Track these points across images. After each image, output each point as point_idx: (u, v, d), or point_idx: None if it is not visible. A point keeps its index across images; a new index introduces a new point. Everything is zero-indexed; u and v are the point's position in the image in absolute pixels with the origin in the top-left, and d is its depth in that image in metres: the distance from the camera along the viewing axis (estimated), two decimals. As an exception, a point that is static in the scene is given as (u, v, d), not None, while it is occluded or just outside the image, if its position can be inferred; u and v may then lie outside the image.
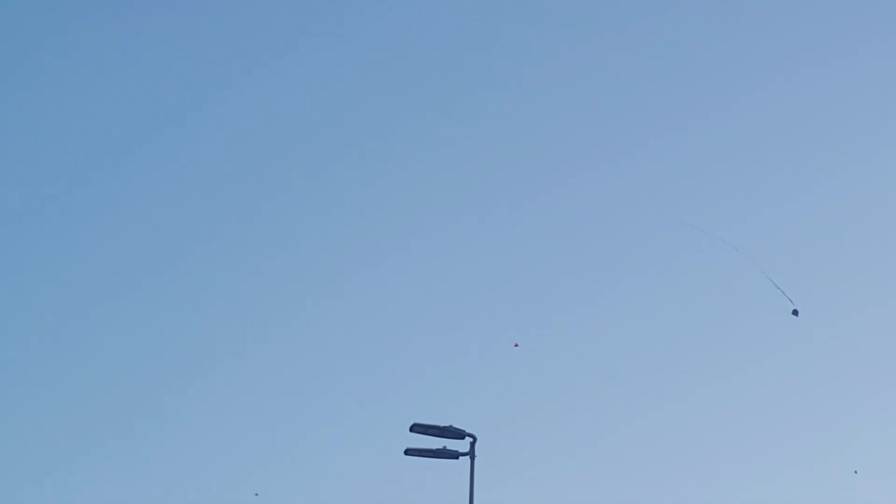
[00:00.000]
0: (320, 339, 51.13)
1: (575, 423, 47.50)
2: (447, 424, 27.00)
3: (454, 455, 27.04)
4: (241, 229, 51.70)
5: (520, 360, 48.96)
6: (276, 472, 47.41)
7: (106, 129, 51.32)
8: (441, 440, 27.03)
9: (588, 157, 51.30)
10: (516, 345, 40.62)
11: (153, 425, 47.10)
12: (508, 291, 51.01)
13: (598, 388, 48.46)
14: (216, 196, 51.69)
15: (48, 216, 49.60)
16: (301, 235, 52.27)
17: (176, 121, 52.29)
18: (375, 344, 50.60)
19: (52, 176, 50.77)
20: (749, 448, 44.58)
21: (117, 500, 42.08)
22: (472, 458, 27.06)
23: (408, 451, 27.11)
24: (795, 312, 32.58)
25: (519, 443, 45.72)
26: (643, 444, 46.46)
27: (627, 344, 49.03)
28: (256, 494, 41.53)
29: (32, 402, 43.92)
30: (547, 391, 48.42)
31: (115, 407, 46.40)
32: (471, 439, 27.13)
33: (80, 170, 50.62)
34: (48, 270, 47.84)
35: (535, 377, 48.80)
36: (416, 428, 26.86)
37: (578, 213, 51.19)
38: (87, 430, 43.29)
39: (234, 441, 47.84)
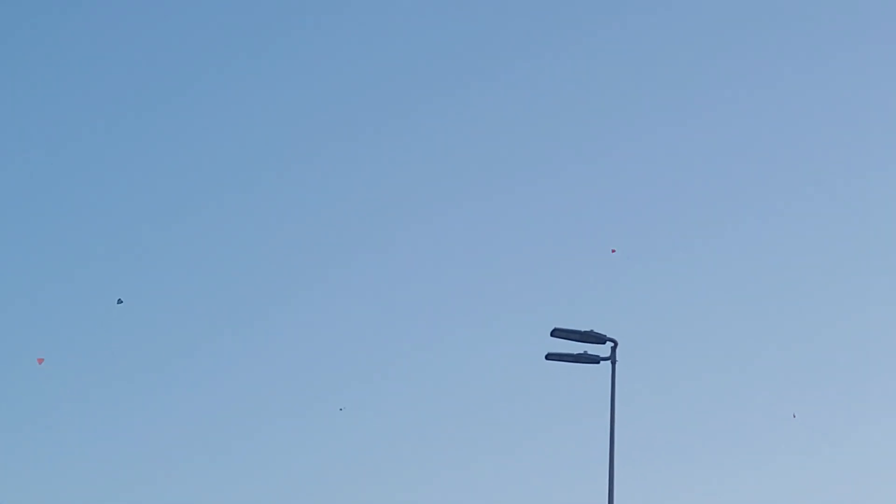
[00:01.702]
0: (463, 244, 51.51)
1: (716, 330, 47.35)
2: (588, 329, 26.97)
3: (595, 360, 26.99)
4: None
5: (661, 266, 48.89)
6: (419, 379, 48.08)
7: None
8: (582, 345, 26.99)
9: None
10: (613, 250, 40.69)
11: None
12: (652, 199, 50.99)
13: (740, 295, 48.25)
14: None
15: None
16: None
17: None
18: (518, 249, 50.85)
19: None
20: None
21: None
22: (614, 363, 27.01)
23: (549, 356, 27.10)
24: None
25: (660, 348, 45.74)
26: (788, 354, 46.24)
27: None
28: (341, 409, 42.24)
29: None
30: (689, 297, 48.30)
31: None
32: (612, 344, 27.05)
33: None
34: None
35: (677, 283, 48.73)
36: (557, 333, 26.83)
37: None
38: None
39: (360, 344, 48.70)
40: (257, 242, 51.08)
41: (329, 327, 49.99)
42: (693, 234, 50.67)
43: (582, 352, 27.02)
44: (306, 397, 46.93)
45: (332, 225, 51.82)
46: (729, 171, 51.60)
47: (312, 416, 46.13)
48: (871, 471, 41.67)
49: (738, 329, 47.65)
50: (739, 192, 51.21)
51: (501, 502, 44.15)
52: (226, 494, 41.33)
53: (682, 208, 50.94)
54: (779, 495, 42.40)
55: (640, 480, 38.46)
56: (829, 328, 47.39)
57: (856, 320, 47.14)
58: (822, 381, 46.13)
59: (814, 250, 49.54)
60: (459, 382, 48.18)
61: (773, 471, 43.53)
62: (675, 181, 51.72)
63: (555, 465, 43.88)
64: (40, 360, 37.86)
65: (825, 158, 51.46)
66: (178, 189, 51.70)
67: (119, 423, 44.68)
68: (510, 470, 44.97)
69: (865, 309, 47.15)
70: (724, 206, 51.09)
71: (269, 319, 49.89)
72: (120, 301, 37.69)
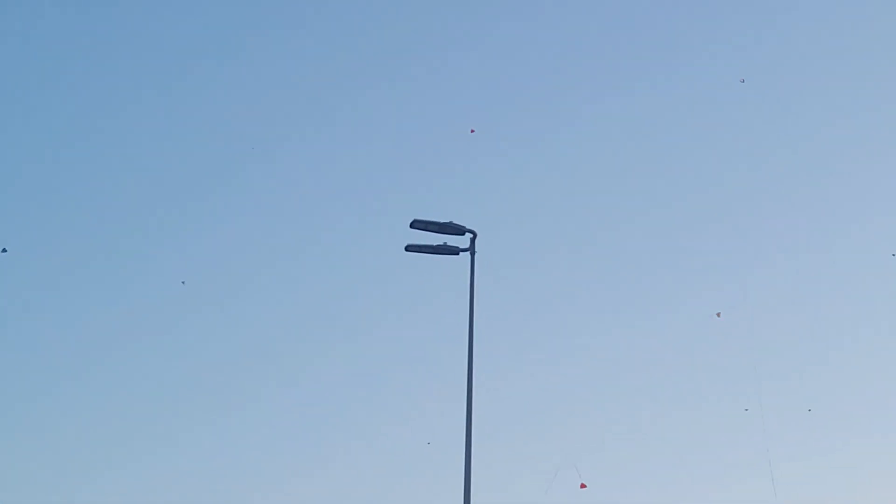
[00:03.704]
0: (320, 135, 51.21)
1: (575, 217, 47.88)
2: (447, 220, 27.12)
3: (454, 251, 27.15)
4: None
5: (520, 156, 49.18)
6: (277, 266, 48.01)
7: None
8: (441, 236, 27.14)
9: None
10: (472, 130, 40.94)
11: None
12: (514, 88, 51.03)
13: (600, 182, 48.74)
14: None
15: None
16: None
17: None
18: (375, 141, 50.71)
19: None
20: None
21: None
22: (473, 254, 27.18)
23: (408, 248, 27.19)
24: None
25: (519, 238, 46.21)
26: (648, 240, 46.92)
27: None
28: (183, 282, 42.10)
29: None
30: (547, 187, 48.69)
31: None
32: (471, 235, 27.22)
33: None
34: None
35: (535, 173, 49.07)
36: (416, 224, 26.88)
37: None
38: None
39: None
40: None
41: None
42: (552, 120, 50.88)
43: (441, 243, 27.20)
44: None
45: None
46: (592, 56, 51.75)
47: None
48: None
49: (596, 216, 48.25)
50: (602, 77, 51.37)
51: (362, 389, 44.55)
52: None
53: (540, 94, 51.07)
54: (630, 370, 43.42)
55: (498, 367, 39.05)
56: (696, 195, 47.96)
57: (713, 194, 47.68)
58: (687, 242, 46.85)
59: (675, 122, 49.92)
60: (319, 275, 48.25)
61: (630, 343, 44.51)
62: (536, 67, 51.77)
63: (414, 355, 44.33)
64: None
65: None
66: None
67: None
68: (371, 360, 45.33)
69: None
70: (586, 90, 51.23)
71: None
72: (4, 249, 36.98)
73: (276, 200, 50.02)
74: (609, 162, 49.20)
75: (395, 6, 52.40)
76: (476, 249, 27.23)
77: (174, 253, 48.35)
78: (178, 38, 52.07)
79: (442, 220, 27.05)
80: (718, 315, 35.73)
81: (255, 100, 51.27)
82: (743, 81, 41.63)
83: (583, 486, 32.27)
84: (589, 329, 45.23)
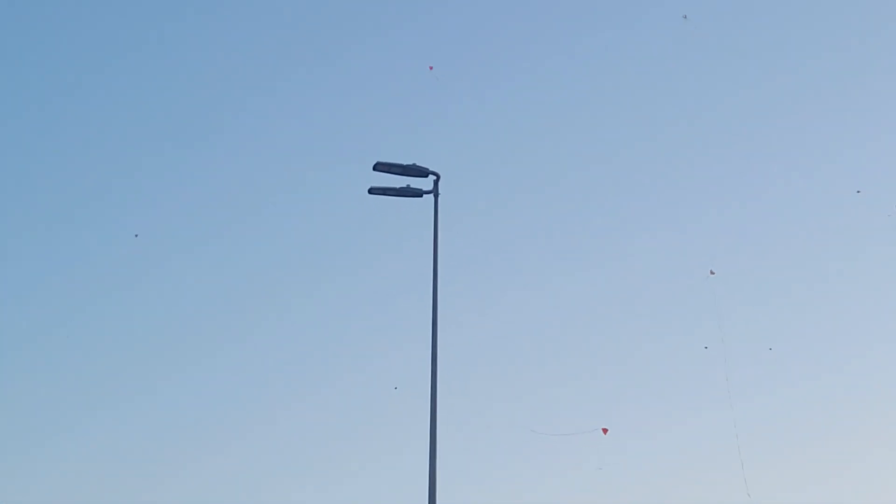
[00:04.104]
0: (284, 80, 50.92)
1: (539, 157, 47.82)
2: (410, 163, 26.99)
3: (418, 193, 27.05)
4: None
5: (482, 97, 48.98)
6: (244, 216, 47.85)
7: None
8: (405, 178, 27.02)
9: None
10: (431, 67, 40.76)
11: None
12: (475, 26, 50.80)
13: (564, 119, 48.68)
14: None
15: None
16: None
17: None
18: (337, 84, 50.42)
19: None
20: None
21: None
22: (436, 196, 27.10)
23: (371, 190, 27.08)
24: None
25: (482, 180, 46.12)
26: (610, 181, 46.92)
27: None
28: (136, 235, 41.81)
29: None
30: (510, 126, 48.59)
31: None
32: (434, 177, 27.14)
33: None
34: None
35: (498, 112, 48.94)
36: (379, 167, 26.79)
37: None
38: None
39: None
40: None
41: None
42: (515, 57, 50.71)
43: (405, 185, 27.08)
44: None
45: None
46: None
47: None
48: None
49: (560, 156, 48.20)
50: (570, 13, 51.10)
51: (327, 334, 44.53)
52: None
53: (503, 32, 50.88)
54: (594, 311, 43.57)
55: (463, 309, 39.06)
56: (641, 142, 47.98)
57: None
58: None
59: (643, 57, 49.81)
60: (283, 220, 48.09)
61: (593, 284, 44.63)
62: (500, 3, 51.52)
63: (379, 297, 44.28)
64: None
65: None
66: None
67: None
68: (335, 304, 45.30)
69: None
70: (553, 27, 50.95)
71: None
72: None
73: (241, 145, 49.80)
74: (574, 99, 49.15)
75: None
76: (439, 191, 27.13)
77: (143, 204, 48.15)
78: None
79: (405, 163, 26.91)
80: (712, 273, 35.54)
81: (223, 45, 50.99)
82: (686, 17, 41.39)
83: (605, 430, 32.26)
84: (552, 270, 45.29)
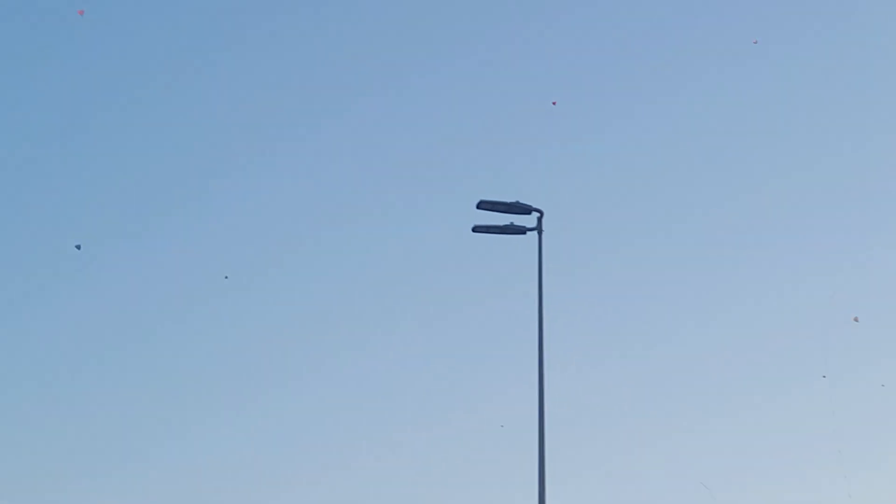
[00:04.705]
0: (387, 118, 51.03)
1: (645, 197, 47.45)
2: (514, 200, 26.85)
3: (521, 230, 26.92)
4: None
5: (586, 135, 48.70)
6: (347, 252, 47.91)
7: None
8: (508, 216, 26.90)
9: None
10: (554, 103, 40.46)
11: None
12: (585, 64, 50.61)
13: (674, 164, 48.31)
14: None
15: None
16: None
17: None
18: (441, 120, 50.45)
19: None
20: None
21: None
22: (540, 233, 26.94)
23: (475, 229, 27.00)
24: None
25: (587, 217, 45.79)
26: (723, 228, 46.36)
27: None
28: (226, 277, 42.01)
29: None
30: (615, 164, 48.26)
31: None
32: (538, 214, 26.97)
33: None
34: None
35: (601, 153, 48.62)
36: (483, 205, 26.72)
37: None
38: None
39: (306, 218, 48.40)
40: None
41: (260, 203, 49.79)
42: (619, 98, 50.44)
43: (508, 223, 26.94)
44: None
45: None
46: (672, 37, 51.17)
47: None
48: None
49: (664, 196, 47.79)
50: (682, 59, 50.82)
51: (432, 373, 44.38)
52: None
53: (612, 72, 50.62)
54: (698, 360, 42.97)
55: (569, 349, 38.67)
56: (751, 199, 47.45)
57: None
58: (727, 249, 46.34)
59: (741, 116, 49.39)
60: (387, 257, 48.11)
61: (695, 335, 44.05)
62: (613, 43, 51.28)
63: (484, 337, 44.08)
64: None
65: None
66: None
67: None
68: (440, 342, 45.15)
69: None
70: (665, 69, 50.65)
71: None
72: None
73: (346, 177, 49.95)
74: (685, 145, 48.82)
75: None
76: (543, 228, 26.95)
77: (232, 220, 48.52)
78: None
79: (508, 200, 26.79)
80: (856, 320, 34.71)
81: (314, 69, 51.27)
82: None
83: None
84: (660, 312, 44.76)
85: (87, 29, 48.47)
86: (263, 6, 51.72)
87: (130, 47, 50.62)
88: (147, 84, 50.26)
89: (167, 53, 51.42)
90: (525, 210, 26.85)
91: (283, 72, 51.48)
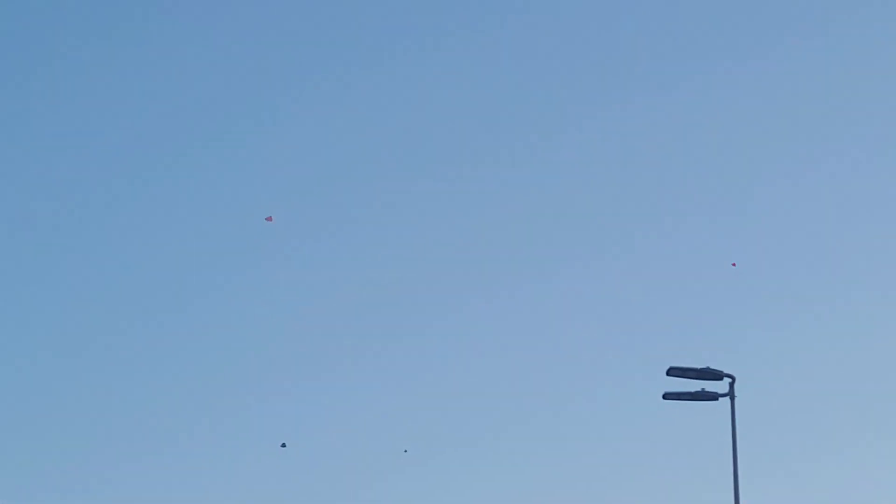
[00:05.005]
0: (574, 287, 51.22)
1: (833, 358, 46.53)
2: (704, 366, 26.57)
3: (713, 397, 26.59)
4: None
5: (776, 297, 48.10)
6: (540, 424, 47.81)
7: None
8: (699, 382, 26.61)
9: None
10: (734, 264, 40.20)
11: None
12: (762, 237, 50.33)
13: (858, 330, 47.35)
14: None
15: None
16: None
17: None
18: (629, 290, 50.42)
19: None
20: None
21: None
22: (732, 399, 26.56)
23: (666, 395, 26.79)
24: None
25: (781, 382, 44.98)
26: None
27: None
28: (406, 451, 42.15)
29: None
30: (805, 326, 47.51)
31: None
32: (729, 380, 26.62)
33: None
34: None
35: (792, 313, 47.94)
36: (673, 371, 26.50)
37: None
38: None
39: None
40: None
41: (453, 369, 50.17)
42: (808, 261, 49.91)
43: (699, 389, 26.65)
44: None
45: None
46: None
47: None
48: None
49: (857, 357, 46.81)
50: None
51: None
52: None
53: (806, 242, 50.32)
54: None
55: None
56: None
57: None
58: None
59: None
60: (578, 427, 47.83)
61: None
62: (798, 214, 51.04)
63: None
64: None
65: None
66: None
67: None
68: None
69: None
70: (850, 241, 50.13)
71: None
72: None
73: (535, 343, 50.11)
74: (865, 302, 47.94)
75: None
76: (736, 394, 26.56)
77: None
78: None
79: (699, 366, 26.52)
80: None
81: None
82: None
83: None
84: (863, 479, 43.53)
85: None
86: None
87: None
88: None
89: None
90: (716, 375, 26.56)
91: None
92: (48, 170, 52.60)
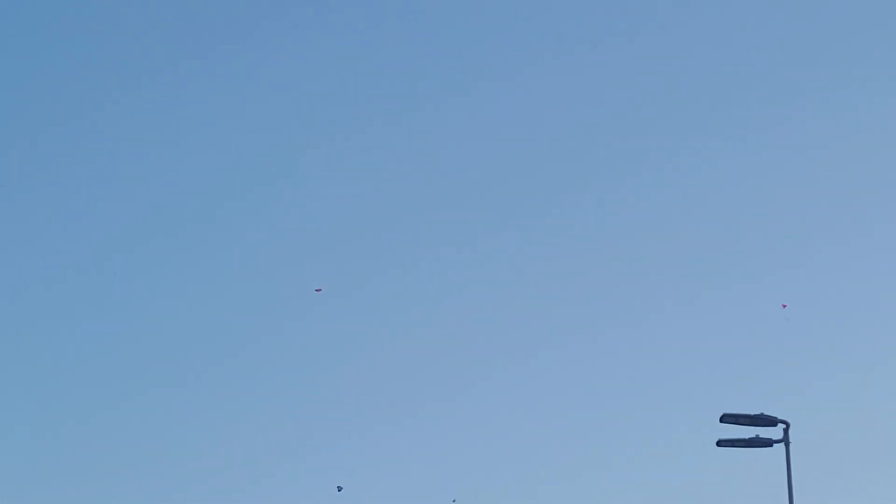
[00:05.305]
0: (626, 336, 51.21)
1: (892, 400, 46.14)
2: (758, 412, 26.48)
3: (767, 443, 26.48)
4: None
5: (828, 340, 47.86)
6: (591, 476, 47.69)
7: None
8: (753, 429, 26.52)
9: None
10: (784, 306, 40.14)
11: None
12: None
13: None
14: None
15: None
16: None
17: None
18: (681, 338, 50.35)
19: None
20: None
21: None
22: (787, 445, 26.44)
23: (720, 443, 26.70)
24: None
25: (836, 426, 44.65)
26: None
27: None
28: (454, 501, 42.29)
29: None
30: (858, 370, 47.20)
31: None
32: (783, 426, 26.51)
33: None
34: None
35: (845, 357, 47.64)
36: (726, 418, 26.41)
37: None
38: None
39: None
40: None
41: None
42: (860, 304, 49.65)
43: (753, 435, 26.55)
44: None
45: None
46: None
47: None
48: None
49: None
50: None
51: None
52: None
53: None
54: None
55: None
56: None
57: None
58: None
59: None
60: (633, 476, 47.66)
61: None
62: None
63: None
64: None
65: None
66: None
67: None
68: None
69: None
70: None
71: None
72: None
73: (583, 404, 50.08)
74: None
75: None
76: (790, 440, 26.44)
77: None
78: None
79: (752, 413, 26.44)
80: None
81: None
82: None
83: None
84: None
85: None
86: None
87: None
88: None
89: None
90: (770, 422, 26.45)
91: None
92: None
